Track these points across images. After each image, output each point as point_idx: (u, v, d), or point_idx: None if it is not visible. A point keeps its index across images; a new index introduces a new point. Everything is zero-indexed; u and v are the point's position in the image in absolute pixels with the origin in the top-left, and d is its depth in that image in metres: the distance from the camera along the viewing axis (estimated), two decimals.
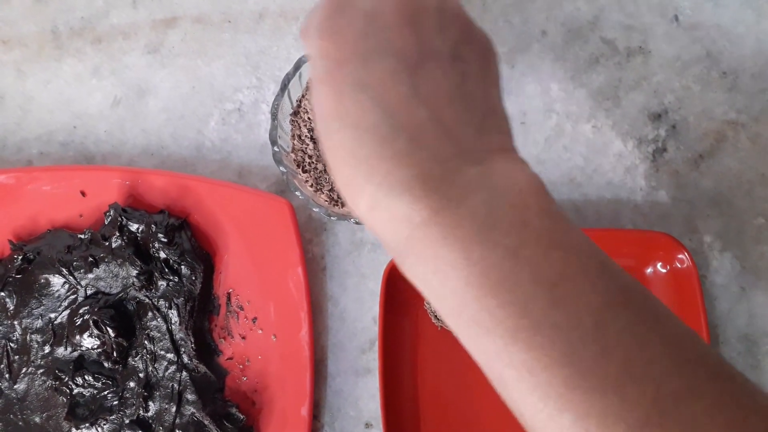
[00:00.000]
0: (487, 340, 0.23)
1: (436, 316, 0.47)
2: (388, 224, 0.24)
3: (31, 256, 0.49)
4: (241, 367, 0.49)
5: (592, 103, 0.50)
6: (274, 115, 0.45)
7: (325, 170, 0.46)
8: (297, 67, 0.46)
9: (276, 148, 0.45)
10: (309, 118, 0.46)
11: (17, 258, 0.49)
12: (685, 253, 0.45)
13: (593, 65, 0.50)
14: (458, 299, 0.23)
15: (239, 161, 0.51)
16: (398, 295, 0.48)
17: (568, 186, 0.49)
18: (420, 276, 0.25)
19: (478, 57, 0.27)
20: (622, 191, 0.49)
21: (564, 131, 0.50)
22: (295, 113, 0.47)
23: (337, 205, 0.46)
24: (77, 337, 0.47)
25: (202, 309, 0.49)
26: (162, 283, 0.48)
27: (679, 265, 0.46)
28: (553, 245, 0.24)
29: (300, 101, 0.47)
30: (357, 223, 0.45)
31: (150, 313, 0.48)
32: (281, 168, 0.45)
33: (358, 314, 0.50)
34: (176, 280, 0.48)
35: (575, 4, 0.50)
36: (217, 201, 0.49)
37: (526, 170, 0.26)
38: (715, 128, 0.49)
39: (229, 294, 0.50)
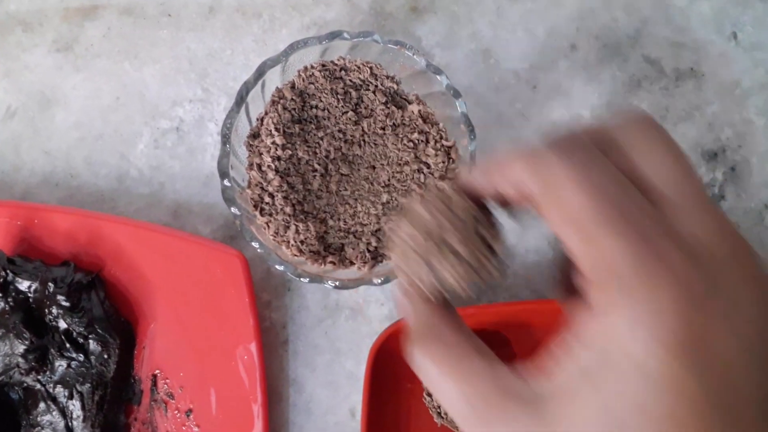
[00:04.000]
0: None
1: (439, 412, 0.36)
2: None
3: None
4: None
5: None
6: (226, 138, 0.34)
7: (293, 214, 0.34)
8: (260, 73, 0.34)
9: (227, 182, 0.33)
10: (273, 144, 0.34)
11: None
12: None
13: (634, 90, 0.41)
14: None
15: (175, 197, 0.40)
16: (388, 380, 0.37)
17: None
18: None
19: None
20: None
21: None
22: (254, 135, 0.35)
23: (313, 260, 0.34)
24: None
25: (117, 398, 0.38)
26: (61, 364, 0.36)
27: None
28: None
29: (262, 120, 0.35)
30: (336, 287, 0.33)
31: (42, 405, 0.37)
32: (233, 209, 0.33)
33: (330, 404, 0.40)
34: (81, 359, 0.36)
35: (612, 14, 0.41)
36: (143, 250, 0.38)
37: None
38: None
39: (155, 377, 0.37)
